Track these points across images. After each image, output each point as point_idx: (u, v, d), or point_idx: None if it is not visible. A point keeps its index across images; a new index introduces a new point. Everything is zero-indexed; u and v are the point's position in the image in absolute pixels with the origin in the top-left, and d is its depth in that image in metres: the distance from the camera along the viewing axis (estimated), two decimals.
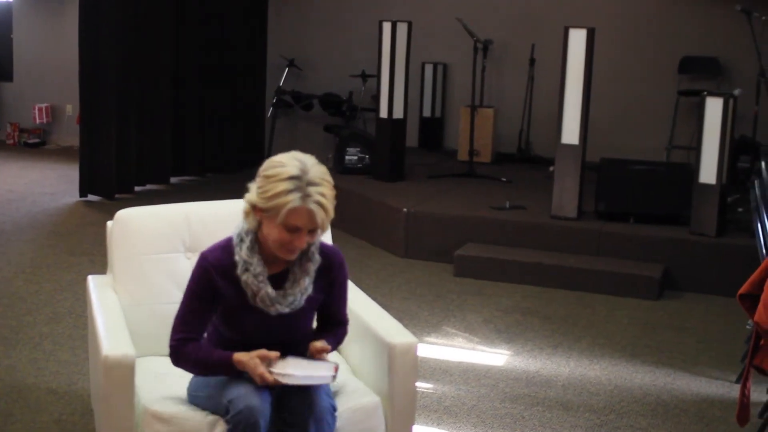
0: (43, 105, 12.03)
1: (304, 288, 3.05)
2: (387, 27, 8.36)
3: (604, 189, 7.20)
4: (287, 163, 2.92)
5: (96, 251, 6.91)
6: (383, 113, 8.44)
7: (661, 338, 5.66)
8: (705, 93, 6.81)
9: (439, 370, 4.98)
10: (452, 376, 4.92)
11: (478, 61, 9.20)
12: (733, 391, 4.80)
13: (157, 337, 3.46)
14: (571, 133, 7.06)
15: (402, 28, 8.35)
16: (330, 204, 2.92)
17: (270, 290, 3.01)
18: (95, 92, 8.76)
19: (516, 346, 5.41)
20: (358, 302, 3.60)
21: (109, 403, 3.04)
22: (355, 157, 8.77)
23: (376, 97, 8.59)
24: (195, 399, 3.15)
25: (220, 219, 3.54)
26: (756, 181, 5.11)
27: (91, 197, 8.84)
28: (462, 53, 10.00)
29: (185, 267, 3.57)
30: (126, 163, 9.04)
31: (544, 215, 7.20)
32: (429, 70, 10.53)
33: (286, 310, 3.03)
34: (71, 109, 11.81)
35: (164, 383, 3.26)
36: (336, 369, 2.93)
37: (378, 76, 8.50)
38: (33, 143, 12.03)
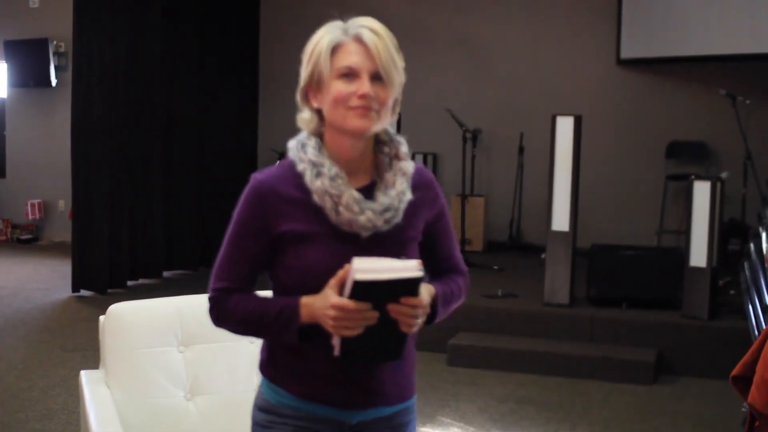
0: (36, 201, 12.09)
1: (402, 191, 2.31)
2: None
3: (595, 275, 7.22)
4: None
5: (89, 346, 6.89)
6: None
7: (657, 423, 5.64)
8: (692, 177, 6.88)
9: None
10: None
11: (467, 150, 9.29)
12: None
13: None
14: (561, 220, 7.10)
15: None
16: (387, 36, 2.27)
17: (355, 192, 2.26)
18: (87, 187, 8.81)
19: None
20: None
21: None
22: None
23: None
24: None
25: None
26: (745, 263, 5.14)
27: (83, 292, 8.83)
28: (451, 143, 10.10)
29: (178, 361, 3.56)
30: (118, 258, 9.06)
31: (537, 302, 7.20)
32: (419, 160, 10.62)
33: (382, 222, 2.27)
34: (63, 204, 11.86)
35: None
36: (421, 264, 2.15)
37: None
38: (26, 239, 12.05)
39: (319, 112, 2.35)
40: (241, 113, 10.95)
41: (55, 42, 11.80)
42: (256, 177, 2.39)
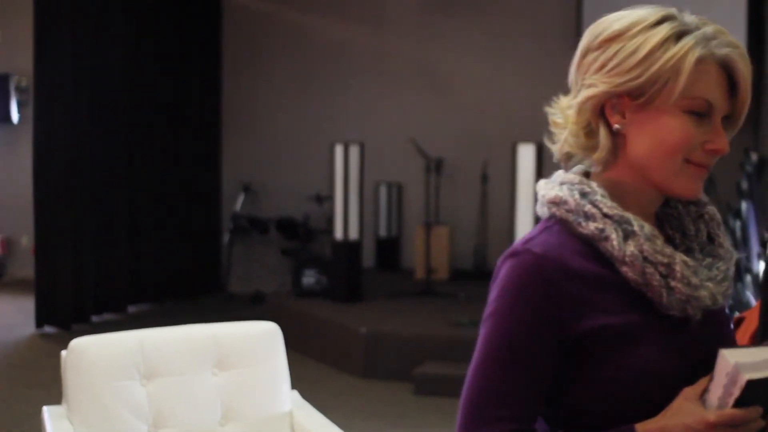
0: None
1: (730, 248, 1.61)
2: (339, 149, 8.47)
3: None
4: (640, 11, 1.54)
5: (52, 383, 6.81)
6: (339, 235, 8.49)
7: None
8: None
9: None
10: None
11: (431, 179, 9.33)
12: None
13: None
14: None
15: (354, 150, 8.46)
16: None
17: (686, 257, 1.53)
18: (50, 223, 8.76)
19: None
20: (318, 425, 3.58)
21: None
22: (313, 279, 8.78)
23: (331, 219, 8.65)
24: None
25: (174, 345, 3.54)
26: None
27: (47, 329, 8.76)
28: (415, 172, 10.14)
29: (141, 394, 3.55)
30: (82, 293, 9.01)
31: None
32: (383, 190, 10.65)
33: (722, 296, 1.55)
34: (26, 240, 11.78)
35: None
36: None
37: (332, 198, 8.58)
38: None
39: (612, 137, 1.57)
40: (204, 144, 10.93)
41: (16, 77, 11.76)
42: (532, 250, 1.56)
